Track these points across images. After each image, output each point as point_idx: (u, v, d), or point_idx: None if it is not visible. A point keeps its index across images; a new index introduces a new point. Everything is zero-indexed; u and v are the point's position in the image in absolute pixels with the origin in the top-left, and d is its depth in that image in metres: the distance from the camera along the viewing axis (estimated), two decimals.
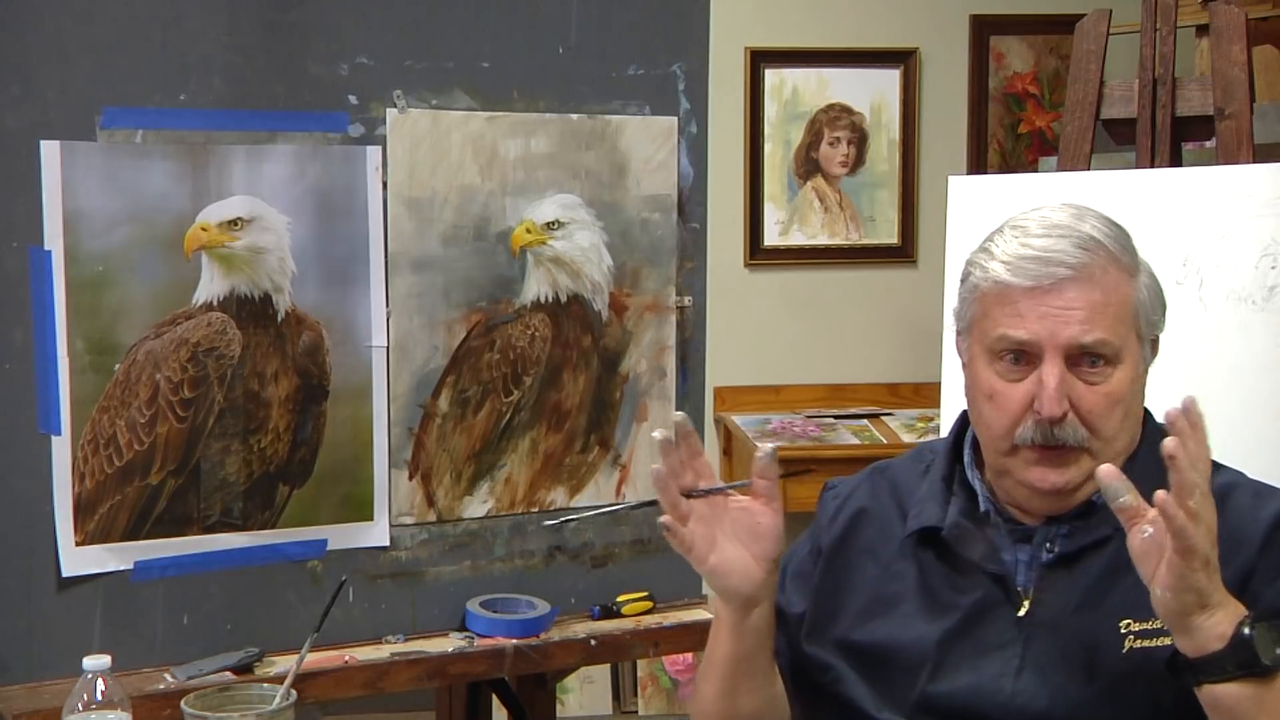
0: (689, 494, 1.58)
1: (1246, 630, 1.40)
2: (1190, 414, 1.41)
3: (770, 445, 1.58)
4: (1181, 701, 1.48)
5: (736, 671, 1.66)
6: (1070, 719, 1.54)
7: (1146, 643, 1.53)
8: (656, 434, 1.57)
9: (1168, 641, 1.50)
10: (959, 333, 1.67)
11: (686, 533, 1.58)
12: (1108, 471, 1.42)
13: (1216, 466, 1.65)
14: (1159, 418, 1.70)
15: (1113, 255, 1.57)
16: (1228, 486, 1.60)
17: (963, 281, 1.66)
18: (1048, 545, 1.61)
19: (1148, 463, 1.62)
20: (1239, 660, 1.40)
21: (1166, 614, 1.42)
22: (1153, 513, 1.40)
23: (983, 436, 1.65)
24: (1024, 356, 1.57)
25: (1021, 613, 1.59)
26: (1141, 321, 1.59)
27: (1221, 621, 1.41)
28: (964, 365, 1.67)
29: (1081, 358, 1.56)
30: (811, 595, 1.74)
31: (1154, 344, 1.63)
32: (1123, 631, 1.54)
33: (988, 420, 1.61)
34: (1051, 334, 1.55)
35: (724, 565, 1.60)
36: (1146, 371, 1.63)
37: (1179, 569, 1.38)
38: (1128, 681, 1.51)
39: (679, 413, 1.65)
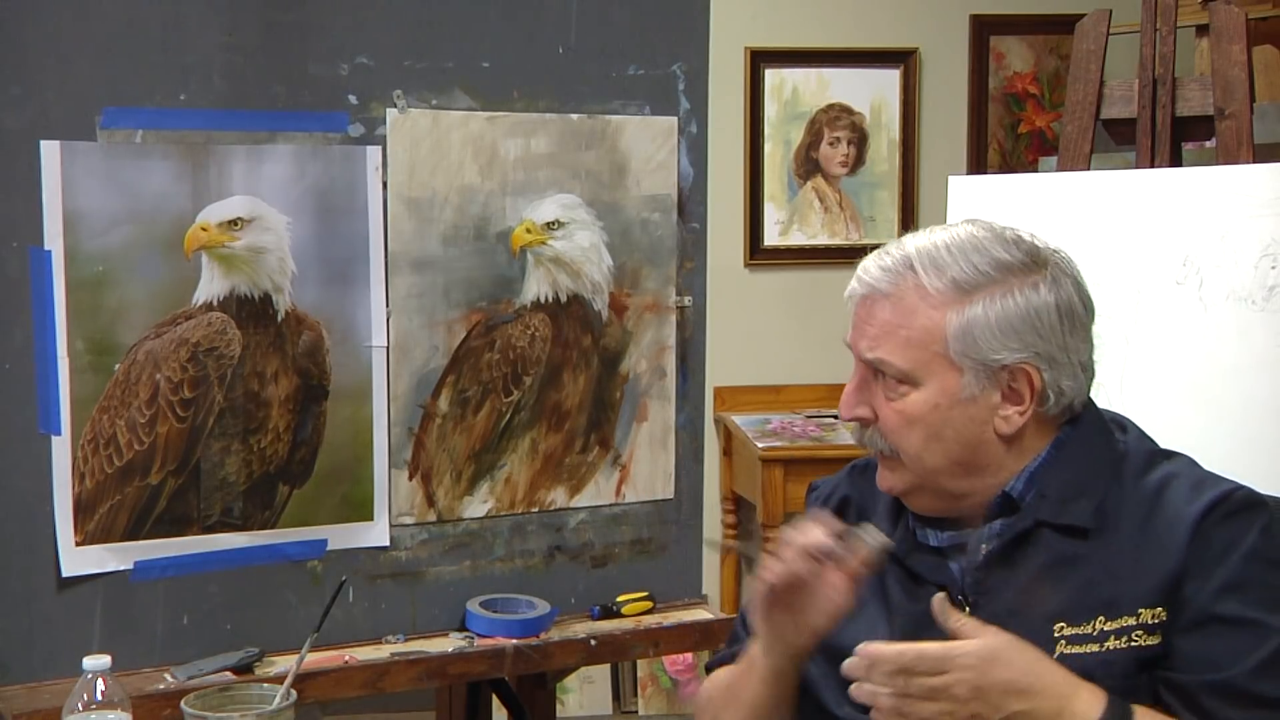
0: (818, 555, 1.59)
1: None
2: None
3: (885, 539, 1.60)
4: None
5: (762, 714, 1.69)
6: None
7: (1076, 648, 1.52)
8: (870, 539, 1.59)
9: (1096, 649, 1.51)
10: None
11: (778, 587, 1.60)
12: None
13: (1167, 454, 1.63)
14: (1159, 426, 1.71)
15: (919, 284, 1.57)
16: (1167, 479, 1.58)
17: None
18: (983, 547, 1.61)
19: (1076, 452, 1.60)
20: None
21: None
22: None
23: None
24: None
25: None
26: (956, 350, 1.56)
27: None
28: None
29: (878, 371, 1.60)
30: None
31: (1021, 374, 1.57)
32: (1055, 635, 1.53)
33: None
34: (854, 343, 1.62)
35: (784, 626, 1.63)
36: (995, 398, 1.57)
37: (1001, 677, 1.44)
38: None
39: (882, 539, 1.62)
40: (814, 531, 1.59)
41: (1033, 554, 1.57)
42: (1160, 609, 1.51)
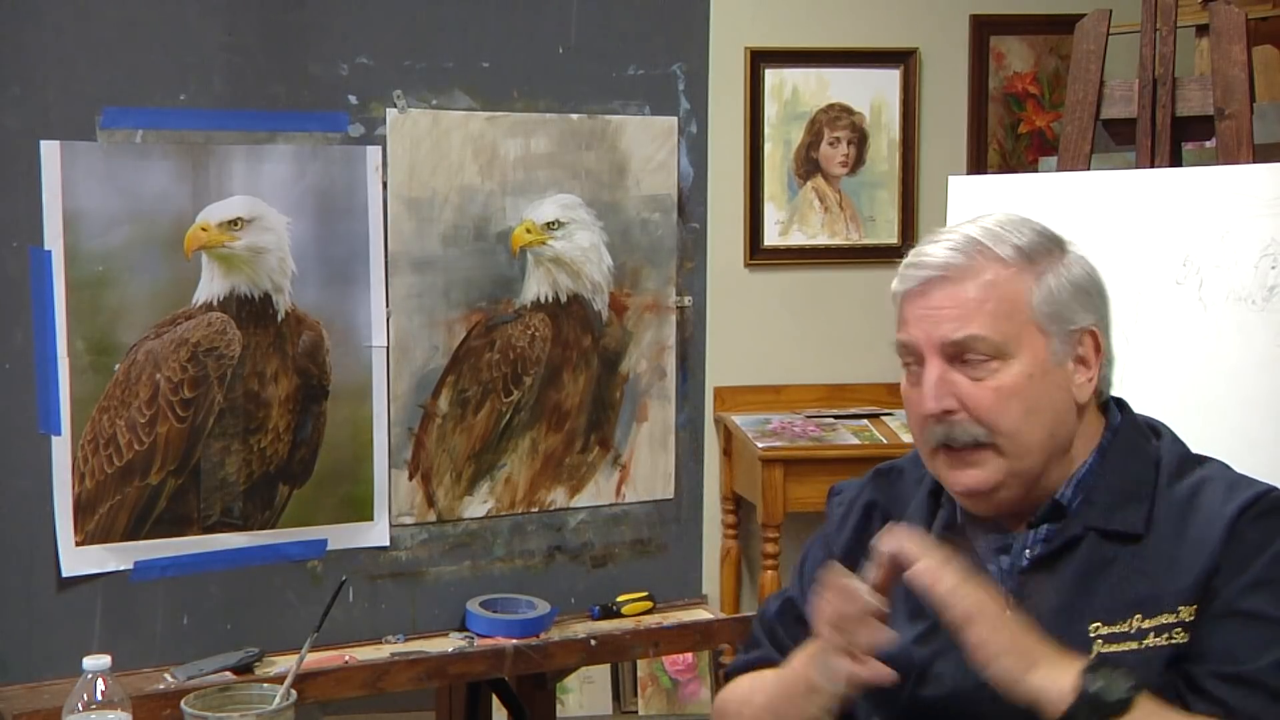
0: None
1: (1088, 677, 1.43)
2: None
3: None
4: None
5: None
6: None
7: (1114, 647, 1.53)
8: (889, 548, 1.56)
9: (1134, 646, 1.52)
10: None
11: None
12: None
13: (1199, 460, 1.64)
14: (1168, 415, 1.72)
15: (992, 253, 1.59)
16: (1201, 482, 1.60)
17: None
18: (1026, 551, 1.62)
19: (1119, 458, 1.62)
20: (1094, 706, 1.42)
21: (1005, 687, 1.46)
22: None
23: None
24: (916, 360, 1.61)
25: None
26: (1040, 315, 1.59)
27: (1060, 677, 1.44)
28: None
29: (961, 355, 1.57)
30: None
31: (1090, 337, 1.61)
32: (1091, 636, 1.54)
33: (911, 428, 1.66)
34: (926, 334, 1.58)
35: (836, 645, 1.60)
36: (1070, 364, 1.61)
37: (976, 638, 1.46)
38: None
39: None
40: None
41: (1072, 560, 1.58)
42: (1194, 605, 1.53)
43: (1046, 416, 1.59)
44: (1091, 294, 1.63)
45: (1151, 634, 1.53)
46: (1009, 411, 1.57)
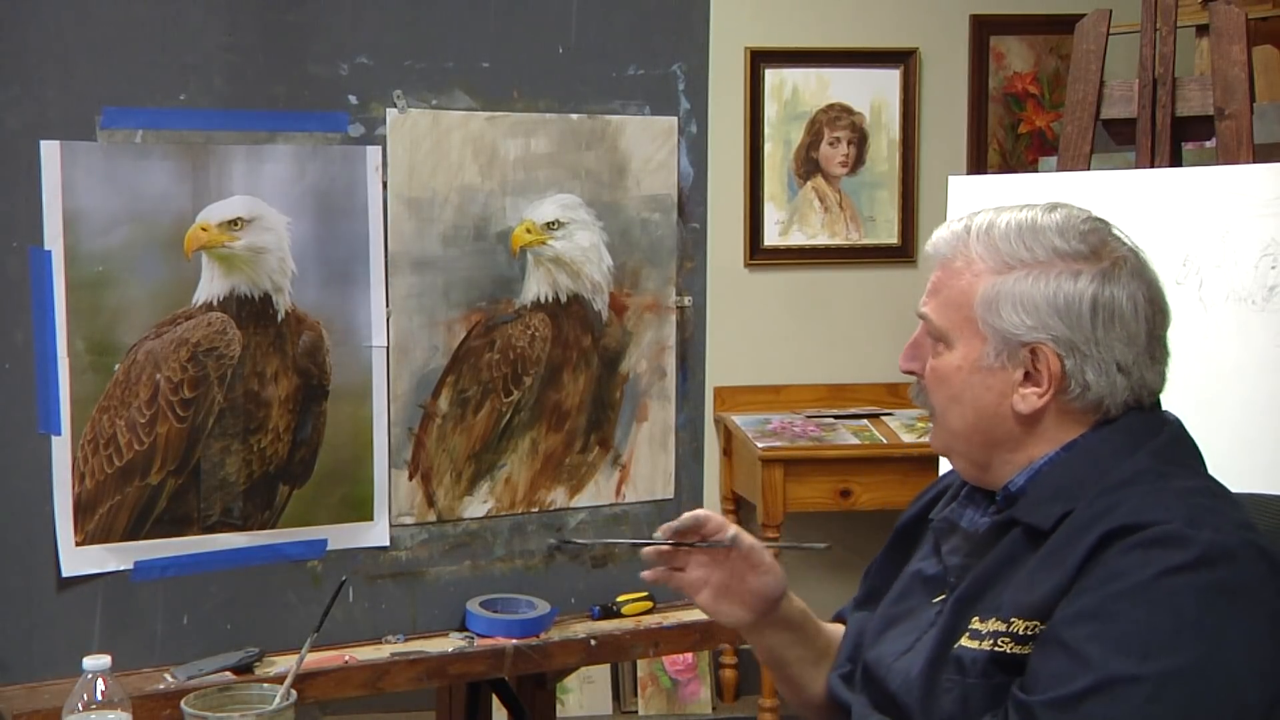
0: (691, 543, 1.79)
1: None
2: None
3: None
4: (983, 705, 1.49)
5: (785, 669, 1.88)
6: (906, 701, 1.59)
7: (968, 642, 1.53)
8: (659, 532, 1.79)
9: (975, 645, 1.51)
10: None
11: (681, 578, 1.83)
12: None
13: (1160, 474, 1.54)
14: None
15: (968, 249, 1.62)
16: (1127, 499, 1.50)
17: None
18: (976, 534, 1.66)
19: (1080, 456, 1.57)
20: None
21: None
22: None
23: None
24: None
25: (935, 600, 1.65)
26: (979, 315, 1.59)
27: None
28: None
29: (928, 328, 1.67)
30: (876, 569, 1.85)
31: (1044, 356, 1.56)
32: (969, 628, 1.54)
33: None
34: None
35: (712, 606, 1.84)
36: (1012, 372, 1.58)
37: None
38: (947, 676, 1.54)
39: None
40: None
41: (999, 549, 1.58)
42: (1037, 622, 1.48)
43: (968, 411, 1.62)
44: (1063, 314, 1.55)
45: (989, 638, 1.51)
46: (938, 392, 1.65)
